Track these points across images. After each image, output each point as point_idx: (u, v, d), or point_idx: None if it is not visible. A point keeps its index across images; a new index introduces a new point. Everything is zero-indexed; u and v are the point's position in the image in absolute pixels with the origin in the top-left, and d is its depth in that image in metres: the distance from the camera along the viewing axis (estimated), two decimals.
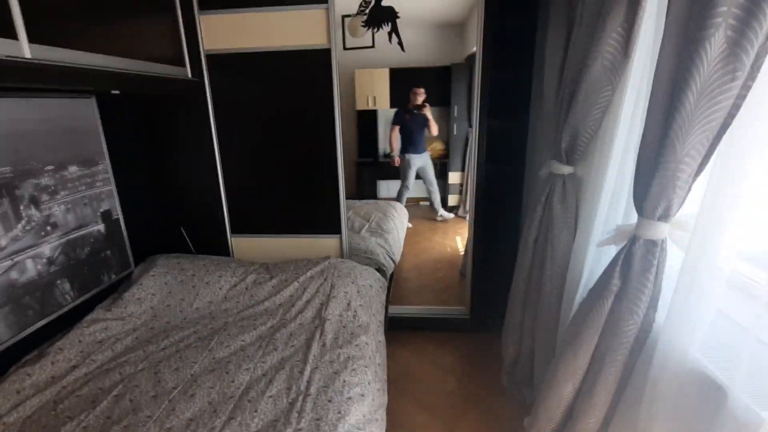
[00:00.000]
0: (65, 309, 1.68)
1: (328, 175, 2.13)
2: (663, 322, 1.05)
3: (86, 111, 1.77)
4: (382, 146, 5.08)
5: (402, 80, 4.56)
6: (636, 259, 1.05)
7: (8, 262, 1.43)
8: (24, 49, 1.13)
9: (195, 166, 2.18)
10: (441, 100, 4.42)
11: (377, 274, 2.14)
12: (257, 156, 2.17)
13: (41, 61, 1.19)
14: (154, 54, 1.76)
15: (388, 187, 5.20)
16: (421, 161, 4.13)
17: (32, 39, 1.16)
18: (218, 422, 1.24)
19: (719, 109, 0.85)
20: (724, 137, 0.88)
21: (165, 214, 2.28)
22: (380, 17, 2.25)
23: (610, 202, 1.32)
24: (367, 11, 2.25)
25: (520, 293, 1.79)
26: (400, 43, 2.20)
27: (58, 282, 1.64)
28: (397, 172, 4.91)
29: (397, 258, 2.87)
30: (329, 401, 1.31)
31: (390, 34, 2.28)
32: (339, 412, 1.26)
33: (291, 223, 2.26)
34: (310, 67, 1.97)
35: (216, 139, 2.13)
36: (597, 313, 1.14)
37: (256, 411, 1.27)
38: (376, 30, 2.29)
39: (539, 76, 1.84)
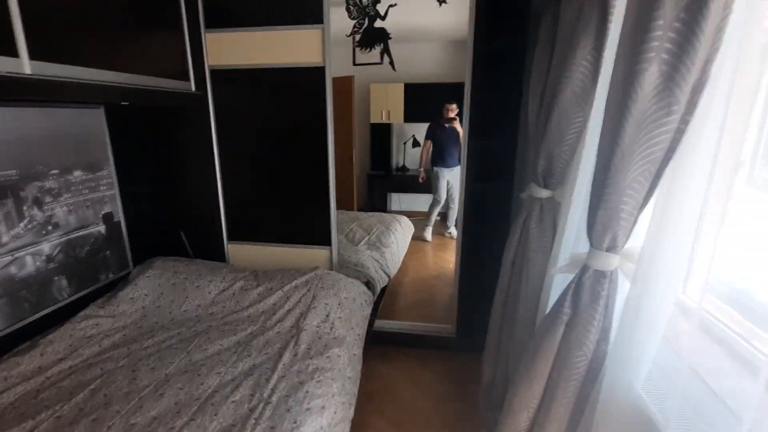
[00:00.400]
0: (60, 304, 1.79)
1: (320, 188, 2.19)
2: (609, 355, 1.03)
3: (94, 120, 1.91)
4: (395, 159, 5.13)
5: (416, 95, 4.62)
6: (585, 289, 1.03)
7: (8, 258, 1.55)
8: (24, 65, 1.25)
9: (196, 174, 2.29)
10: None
11: (363, 287, 2.16)
12: (254, 166, 2.26)
13: (42, 77, 1.31)
14: (159, 69, 1.88)
15: (399, 200, 5.23)
16: (450, 175, 4.15)
17: (34, 56, 1.27)
18: (179, 422, 1.29)
19: (658, 142, 0.84)
20: (667, 171, 0.87)
21: (166, 218, 2.40)
22: (372, 38, 2.31)
23: (578, 228, 1.31)
24: (360, 31, 2.32)
25: (498, 315, 1.77)
26: (392, 63, 2.25)
27: (56, 278, 1.76)
28: (410, 186, 4.96)
29: (393, 272, 2.88)
30: (288, 411, 1.33)
31: (382, 53, 2.33)
32: (295, 422, 1.28)
33: (284, 233, 2.33)
34: (306, 83, 2.04)
35: (216, 150, 2.23)
36: (549, 342, 1.12)
37: (216, 414, 1.32)
38: (368, 50, 2.35)
39: (527, 97, 1.84)
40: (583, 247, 1.28)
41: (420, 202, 5.18)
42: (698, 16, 0.73)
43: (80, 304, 1.87)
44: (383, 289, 2.63)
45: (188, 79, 2.07)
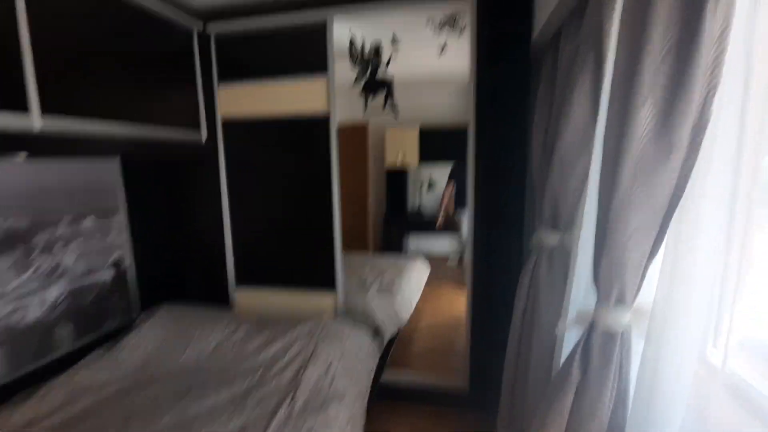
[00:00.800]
0: (63, 352, 1.77)
1: (325, 233, 2.17)
2: (629, 425, 0.90)
3: (109, 168, 1.98)
4: (411, 202, 5.12)
5: (431, 138, 4.67)
6: (595, 348, 0.93)
7: (12, 305, 1.57)
8: (35, 121, 1.31)
9: (205, 219, 2.32)
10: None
11: (369, 337, 2.06)
12: (262, 212, 2.28)
13: (53, 132, 1.37)
14: (172, 120, 1.96)
15: (417, 242, 5.15)
16: None
17: (45, 110, 1.34)
18: None
19: (660, 187, 0.77)
20: (675, 216, 0.79)
21: (176, 262, 2.42)
22: (375, 87, 2.37)
23: (588, 278, 1.20)
24: (362, 81, 2.38)
25: (511, 372, 1.63)
26: (394, 110, 2.28)
27: (60, 325, 1.76)
28: (426, 228, 4.90)
29: (405, 318, 2.77)
30: None
31: (385, 101, 2.37)
32: None
33: (290, 277, 2.29)
34: (312, 131, 2.08)
35: (225, 196, 2.27)
36: (559, 408, 1.00)
37: None
38: (372, 97, 2.40)
39: (532, 139, 1.79)
40: (594, 299, 1.18)
41: (438, 244, 5.09)
42: (689, 53, 0.68)
43: (84, 351, 1.85)
44: (393, 337, 2.51)
45: (199, 130, 2.15)
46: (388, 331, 2.42)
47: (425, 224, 4.91)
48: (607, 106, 0.89)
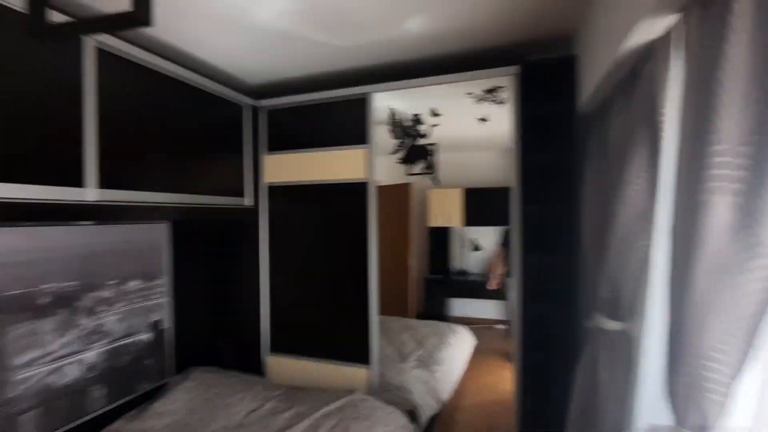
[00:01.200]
0: (93, 415, 1.76)
1: (360, 300, 2.09)
2: None
3: (158, 233, 2.07)
4: (455, 263, 4.95)
5: (475, 200, 4.59)
6: None
7: (50, 366, 1.60)
8: (89, 193, 1.40)
9: (244, 284, 2.35)
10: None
11: (404, 419, 1.88)
12: (299, 277, 2.26)
13: (105, 203, 1.46)
14: (218, 188, 2.06)
15: (462, 306, 4.90)
16: None
17: (101, 185, 1.44)
18: None
19: (747, 292, 0.63)
20: None
21: (212, 326, 2.42)
22: (414, 156, 2.37)
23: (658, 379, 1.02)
24: (402, 149, 2.40)
25: None
26: (434, 180, 2.25)
27: (95, 386, 1.76)
28: (471, 291, 4.68)
29: (445, 395, 2.54)
30: None
31: (426, 169, 2.36)
32: None
33: (324, 348, 2.20)
34: (350, 197, 2.10)
35: (266, 260, 2.30)
36: None
37: None
38: (411, 166, 2.40)
39: (583, 212, 1.67)
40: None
41: (483, 308, 4.81)
42: None
43: (117, 412, 1.83)
44: (433, 416, 2.29)
45: (242, 195, 2.24)
46: (427, 411, 2.21)
47: (470, 287, 4.69)
48: (674, 195, 0.78)
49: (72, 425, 1.69)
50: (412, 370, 2.49)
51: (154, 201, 1.69)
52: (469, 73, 1.90)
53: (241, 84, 2.26)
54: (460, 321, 4.08)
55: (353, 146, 2.08)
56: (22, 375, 1.50)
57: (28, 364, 1.52)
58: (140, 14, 0.78)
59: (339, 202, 2.14)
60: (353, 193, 2.09)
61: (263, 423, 1.85)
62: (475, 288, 4.60)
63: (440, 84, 1.95)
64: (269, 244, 2.32)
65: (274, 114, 2.29)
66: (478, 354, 3.64)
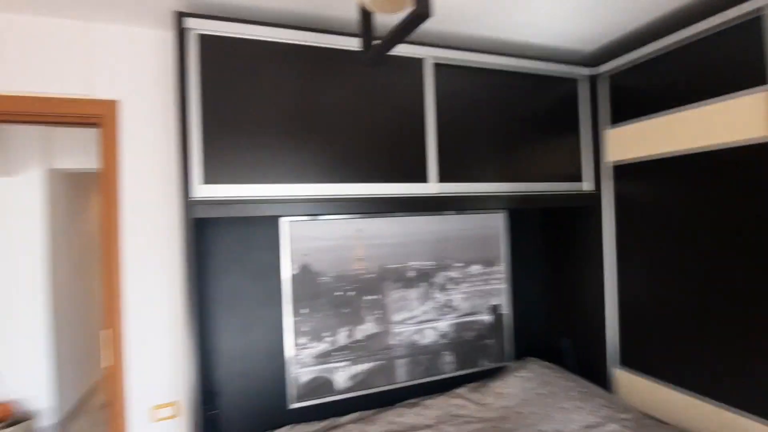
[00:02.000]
0: (445, 376, 2.09)
1: None
2: None
3: (496, 222, 2.19)
4: None
5: None
6: None
7: (415, 327, 2.02)
8: (432, 188, 1.66)
9: (584, 280, 2.08)
10: None
11: None
12: (662, 277, 1.75)
13: (445, 195, 1.68)
14: (550, 174, 1.93)
15: None
16: None
17: (440, 179, 1.67)
18: None
19: None
20: None
21: (549, 319, 2.30)
22: None
23: None
24: None
25: None
26: None
27: (445, 352, 2.09)
28: None
29: None
30: None
31: None
32: None
33: (701, 378, 1.60)
34: (740, 168, 1.41)
35: (614, 254, 1.94)
36: None
37: None
38: None
39: None
40: None
41: None
42: None
43: (459, 381, 2.10)
44: None
45: (581, 180, 1.98)
46: None
47: None
48: None
49: (430, 379, 2.07)
50: None
51: (487, 191, 1.80)
52: None
53: (575, 54, 2.02)
54: None
55: (740, 93, 1.39)
56: (397, 330, 1.99)
57: (401, 322, 2.00)
58: (422, 9, 0.82)
59: (721, 176, 1.49)
60: (744, 159, 1.40)
61: None
62: None
63: None
64: (616, 235, 1.95)
65: (616, 78, 1.90)
66: None
